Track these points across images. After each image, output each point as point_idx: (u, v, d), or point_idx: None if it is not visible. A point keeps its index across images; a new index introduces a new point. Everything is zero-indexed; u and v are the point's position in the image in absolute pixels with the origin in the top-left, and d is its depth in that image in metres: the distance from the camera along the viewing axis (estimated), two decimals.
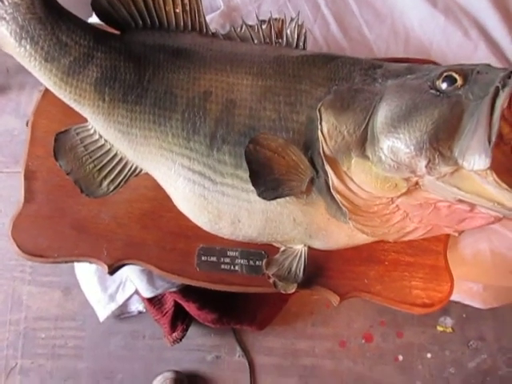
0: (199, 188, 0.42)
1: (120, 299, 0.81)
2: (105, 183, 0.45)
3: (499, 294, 0.61)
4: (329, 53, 0.43)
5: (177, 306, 0.75)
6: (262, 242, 0.45)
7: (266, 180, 0.39)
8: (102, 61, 0.41)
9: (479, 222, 0.38)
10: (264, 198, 0.39)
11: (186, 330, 0.80)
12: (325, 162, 0.38)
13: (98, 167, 0.45)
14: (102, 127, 0.43)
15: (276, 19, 0.44)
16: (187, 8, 0.44)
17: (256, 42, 0.45)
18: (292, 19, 0.44)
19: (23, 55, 0.41)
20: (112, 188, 0.45)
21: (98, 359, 0.90)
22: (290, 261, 0.44)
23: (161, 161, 0.43)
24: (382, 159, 0.36)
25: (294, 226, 0.42)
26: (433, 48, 0.57)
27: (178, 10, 0.43)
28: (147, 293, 0.60)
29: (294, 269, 0.43)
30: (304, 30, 0.45)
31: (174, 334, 0.80)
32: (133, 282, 0.61)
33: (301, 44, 0.45)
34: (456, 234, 0.40)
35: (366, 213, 0.39)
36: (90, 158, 0.45)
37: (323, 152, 0.38)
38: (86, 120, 0.45)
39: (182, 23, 0.44)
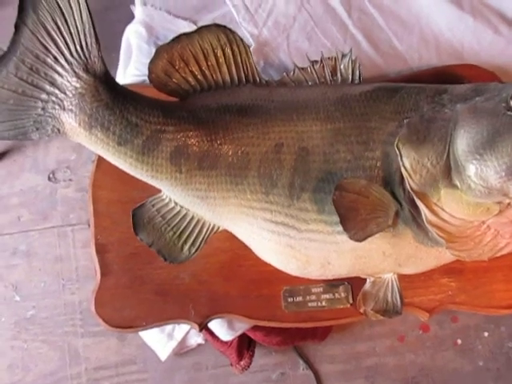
0: (284, 238, 0.43)
1: (178, 336, 0.81)
2: (186, 247, 0.45)
3: None
4: (390, 85, 0.44)
5: (240, 334, 0.76)
6: (351, 276, 0.46)
7: (356, 222, 0.40)
8: (174, 134, 0.41)
9: None
10: (356, 241, 0.40)
11: (253, 355, 0.81)
12: (415, 198, 0.39)
13: (178, 233, 0.45)
14: (180, 196, 0.44)
15: (329, 58, 0.44)
16: (239, 62, 0.44)
17: (310, 83, 0.45)
18: (344, 55, 0.45)
19: (95, 143, 0.41)
20: (194, 251, 0.46)
21: None
22: (384, 292, 0.45)
23: (241, 218, 0.43)
24: (472, 186, 0.37)
25: (383, 259, 0.43)
26: (464, 49, 0.57)
27: (232, 68, 0.43)
28: (227, 337, 0.60)
29: (390, 299, 0.44)
30: (358, 64, 0.45)
31: (242, 363, 0.81)
32: (210, 329, 0.62)
33: (356, 78, 0.45)
34: None
35: (459, 238, 0.40)
36: (169, 226, 0.45)
37: (410, 187, 0.39)
38: (150, 187, 0.45)
39: (236, 78, 0.44)
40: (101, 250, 0.51)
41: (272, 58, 0.57)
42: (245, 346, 0.81)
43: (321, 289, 0.50)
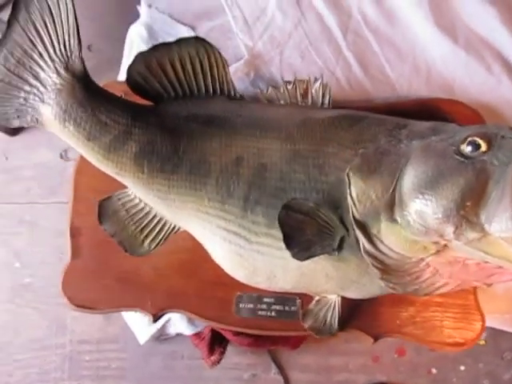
0: (235, 247, 0.45)
1: (159, 323, 0.84)
2: (146, 242, 0.48)
3: None
4: (354, 113, 0.45)
5: (213, 330, 0.79)
6: (297, 292, 0.48)
7: (299, 242, 0.41)
8: (140, 136, 0.44)
9: (508, 277, 0.39)
10: (298, 259, 0.41)
11: (224, 352, 0.84)
12: (354, 226, 0.40)
13: (140, 228, 0.48)
14: (142, 194, 0.46)
15: (301, 80, 0.46)
16: (215, 75, 0.46)
17: (282, 102, 0.47)
18: (316, 79, 0.46)
19: (67, 135, 0.45)
20: (153, 246, 0.48)
21: (140, 380, 0.95)
22: (325, 312, 0.46)
23: (198, 222, 0.46)
24: (411, 223, 0.38)
25: (326, 280, 0.44)
26: (455, 84, 0.57)
27: (208, 80, 0.45)
28: (188, 331, 0.63)
29: (328, 320, 0.46)
30: (328, 89, 0.46)
31: (212, 358, 0.83)
32: (174, 323, 0.64)
33: (326, 102, 0.46)
34: (485, 287, 0.41)
35: (396, 272, 0.41)
36: (132, 220, 0.48)
37: (353, 216, 0.40)
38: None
39: (211, 90, 0.46)
40: (74, 234, 0.55)
41: (263, 71, 0.59)
42: (217, 341, 0.83)
43: (272, 299, 0.52)
